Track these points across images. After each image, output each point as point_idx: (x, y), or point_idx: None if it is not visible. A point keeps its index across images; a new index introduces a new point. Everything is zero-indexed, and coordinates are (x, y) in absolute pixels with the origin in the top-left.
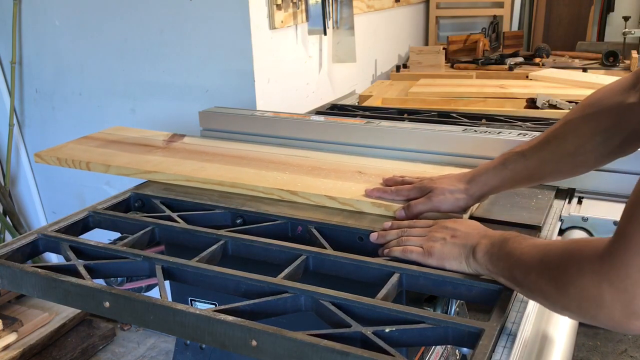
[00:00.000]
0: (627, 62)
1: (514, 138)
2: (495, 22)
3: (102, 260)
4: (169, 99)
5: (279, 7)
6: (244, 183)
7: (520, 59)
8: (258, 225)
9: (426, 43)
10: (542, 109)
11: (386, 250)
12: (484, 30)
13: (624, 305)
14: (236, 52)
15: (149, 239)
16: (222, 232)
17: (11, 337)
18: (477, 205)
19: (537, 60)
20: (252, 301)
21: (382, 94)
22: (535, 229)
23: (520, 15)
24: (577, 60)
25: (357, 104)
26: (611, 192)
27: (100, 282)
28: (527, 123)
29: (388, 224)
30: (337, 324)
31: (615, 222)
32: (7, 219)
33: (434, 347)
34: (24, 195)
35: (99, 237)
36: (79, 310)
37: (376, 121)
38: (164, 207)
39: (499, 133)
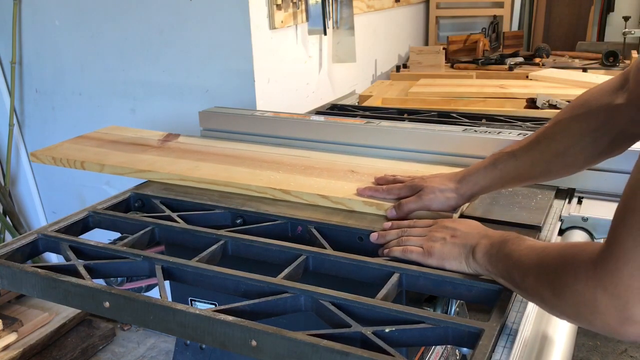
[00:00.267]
0: (627, 62)
1: (514, 138)
2: (495, 22)
3: (102, 260)
4: (169, 99)
5: (279, 7)
6: (237, 182)
7: (520, 59)
8: (258, 225)
9: (426, 43)
10: (542, 109)
11: (386, 250)
12: (484, 30)
13: (618, 311)
14: (236, 52)
15: (149, 239)
16: (222, 232)
17: (11, 337)
18: (466, 204)
19: (537, 60)
20: (252, 301)
21: (382, 94)
22: (535, 229)
23: (520, 15)
24: (577, 60)
25: (357, 104)
26: (611, 192)
27: (100, 282)
28: (527, 123)
29: (388, 224)
30: (337, 324)
31: None
32: (7, 219)
33: (434, 347)
34: (24, 195)
35: (99, 237)
36: (79, 310)
37: (376, 121)
38: (163, 207)
39: (499, 133)
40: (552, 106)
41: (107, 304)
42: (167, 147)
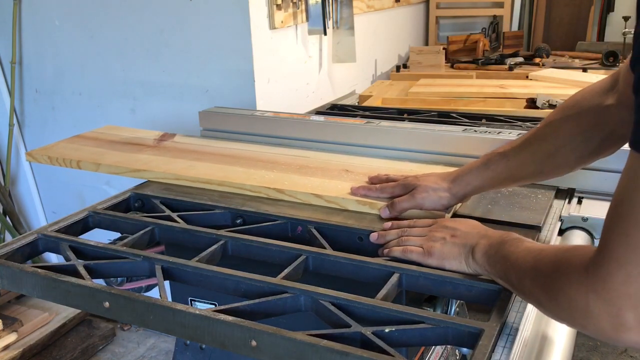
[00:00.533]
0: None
1: (513, 138)
2: (495, 22)
3: (102, 260)
4: (169, 99)
5: (279, 7)
6: (232, 182)
7: (520, 59)
8: (258, 225)
9: (426, 43)
10: (542, 109)
11: (386, 250)
12: (484, 30)
13: (611, 317)
14: (236, 52)
15: (149, 239)
16: (222, 232)
17: (11, 337)
18: (459, 204)
19: (537, 60)
20: (251, 301)
21: (382, 94)
22: (535, 229)
23: (520, 15)
24: (577, 60)
25: (357, 104)
26: (611, 192)
27: (100, 282)
28: (527, 123)
29: (388, 224)
30: (336, 324)
31: None
32: (7, 219)
33: (433, 347)
34: (24, 195)
35: (99, 237)
36: (79, 310)
37: (376, 121)
38: (163, 207)
39: (499, 133)
40: (552, 106)
41: (107, 304)
42: (163, 146)
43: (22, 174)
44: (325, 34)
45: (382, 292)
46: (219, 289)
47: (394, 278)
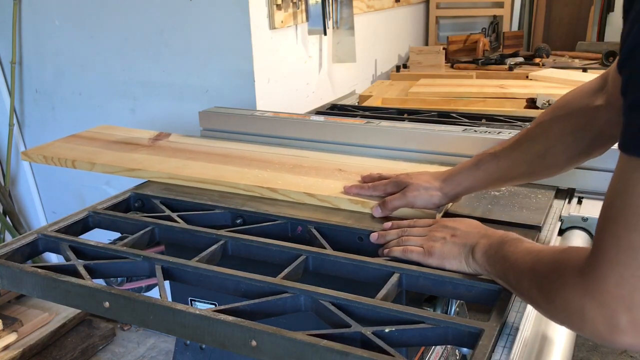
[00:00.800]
0: None
1: None
2: (495, 22)
3: (102, 260)
4: (169, 99)
5: (279, 7)
6: (225, 181)
7: (520, 59)
8: (258, 225)
9: (426, 43)
10: (542, 109)
11: (386, 250)
12: (484, 30)
13: (605, 320)
14: (236, 52)
15: (149, 239)
16: (221, 232)
17: (11, 337)
18: (450, 203)
19: (537, 60)
20: (251, 301)
21: (382, 94)
22: (535, 229)
23: (520, 15)
24: (577, 60)
25: (357, 104)
26: None
27: (100, 282)
28: (527, 123)
29: (388, 224)
30: (336, 324)
31: None
32: (7, 219)
33: (433, 347)
34: (24, 195)
35: (99, 237)
36: (79, 310)
37: (376, 121)
38: (163, 207)
39: (499, 133)
40: None
41: (107, 304)
42: (158, 146)
43: (22, 174)
44: (325, 34)
45: (382, 292)
46: (219, 289)
47: (394, 278)
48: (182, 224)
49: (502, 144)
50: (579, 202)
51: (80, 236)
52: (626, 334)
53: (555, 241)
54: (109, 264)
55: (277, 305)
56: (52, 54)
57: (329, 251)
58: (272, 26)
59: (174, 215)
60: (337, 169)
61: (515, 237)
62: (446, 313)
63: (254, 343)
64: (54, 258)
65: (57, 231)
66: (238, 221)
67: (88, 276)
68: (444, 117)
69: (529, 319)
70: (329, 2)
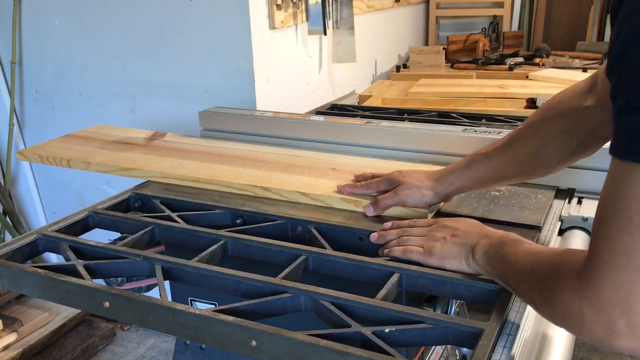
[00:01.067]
0: None
1: None
2: (495, 22)
3: (102, 260)
4: (169, 99)
5: (279, 7)
6: (219, 180)
7: (520, 59)
8: (258, 225)
9: (426, 43)
10: None
11: (386, 250)
12: (484, 30)
13: (603, 324)
14: (236, 52)
15: (149, 239)
16: (221, 232)
17: (11, 337)
18: (442, 203)
19: (537, 60)
20: (251, 301)
21: (382, 94)
22: (535, 229)
23: (520, 15)
24: (577, 60)
25: (357, 104)
26: None
27: (100, 282)
28: None
29: (388, 224)
30: (336, 324)
31: None
32: (7, 219)
33: (433, 347)
34: (24, 195)
35: (99, 237)
36: (79, 310)
37: (376, 121)
38: (163, 207)
39: (499, 133)
40: None
41: (107, 304)
42: (153, 145)
43: (22, 174)
44: (325, 34)
45: (382, 292)
46: (219, 289)
47: (394, 278)
48: (182, 224)
49: (494, 144)
50: (579, 202)
51: (80, 236)
52: (624, 338)
53: (555, 241)
54: (109, 264)
55: (277, 305)
56: (52, 54)
57: (329, 251)
58: (272, 26)
59: (174, 215)
60: (331, 168)
61: (515, 238)
62: (446, 313)
63: (254, 343)
64: (54, 258)
65: (57, 231)
66: (238, 221)
67: (88, 276)
68: (444, 117)
69: (529, 318)
70: (329, 2)
